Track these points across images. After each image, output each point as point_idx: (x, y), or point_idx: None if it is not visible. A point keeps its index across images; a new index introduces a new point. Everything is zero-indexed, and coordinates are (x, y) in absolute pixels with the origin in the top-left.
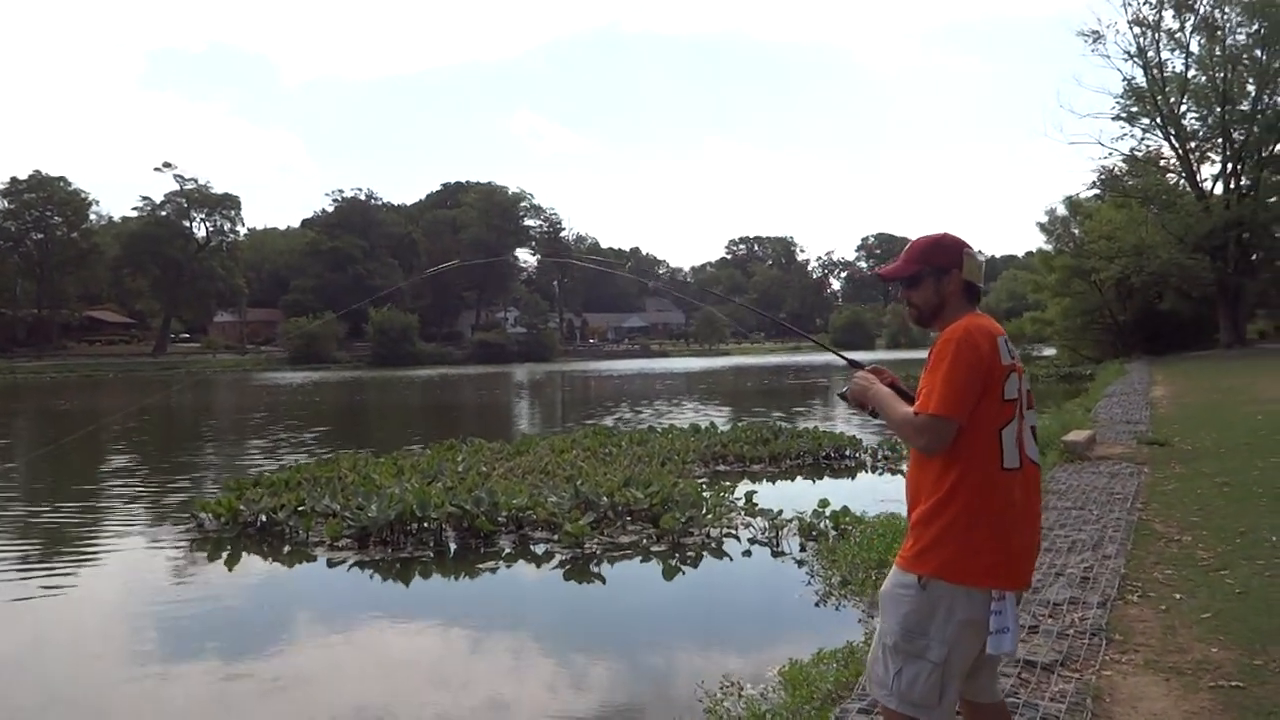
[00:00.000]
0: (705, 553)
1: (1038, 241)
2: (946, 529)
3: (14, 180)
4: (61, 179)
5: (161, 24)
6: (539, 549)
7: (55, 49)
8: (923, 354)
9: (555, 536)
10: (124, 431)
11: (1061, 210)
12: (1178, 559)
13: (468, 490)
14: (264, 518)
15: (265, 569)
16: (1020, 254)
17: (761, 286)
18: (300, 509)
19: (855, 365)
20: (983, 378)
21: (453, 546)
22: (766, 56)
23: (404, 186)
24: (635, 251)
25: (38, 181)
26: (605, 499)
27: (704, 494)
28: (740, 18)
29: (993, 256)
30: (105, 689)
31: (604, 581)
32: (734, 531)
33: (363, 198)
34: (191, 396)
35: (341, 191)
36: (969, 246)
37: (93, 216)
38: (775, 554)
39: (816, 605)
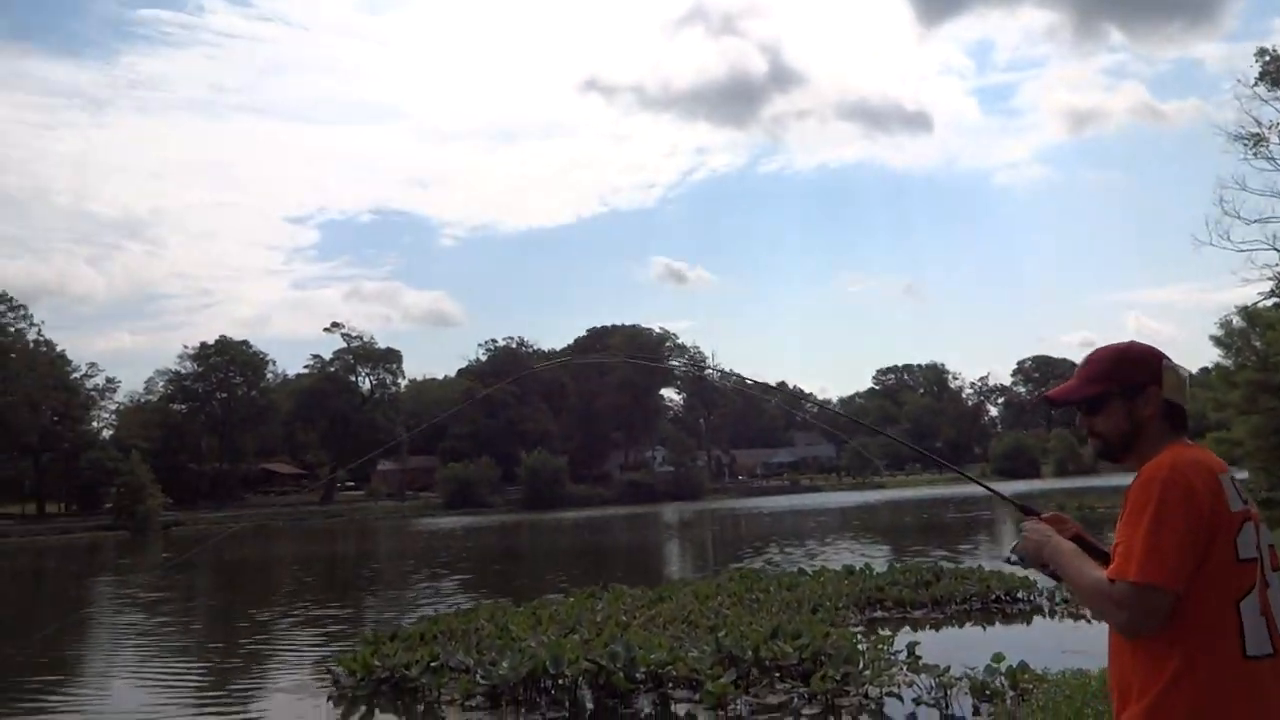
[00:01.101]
0: (865, 716)
1: (1213, 356)
2: None
3: (203, 345)
4: (244, 342)
5: (332, 197)
6: (680, 709)
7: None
8: (1098, 482)
9: (696, 696)
10: (288, 579)
11: (1238, 322)
12: None
13: (604, 644)
14: (399, 674)
15: None
16: (1195, 370)
17: (914, 415)
18: (434, 664)
19: (1027, 511)
20: (1205, 530)
21: (589, 707)
22: (897, 187)
23: (553, 333)
24: (782, 385)
25: (223, 345)
26: (750, 653)
27: (860, 646)
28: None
29: None
30: None
31: None
32: (896, 690)
33: (514, 345)
34: (359, 543)
35: (494, 340)
36: (1167, 358)
37: (270, 375)
38: (945, 718)
39: None
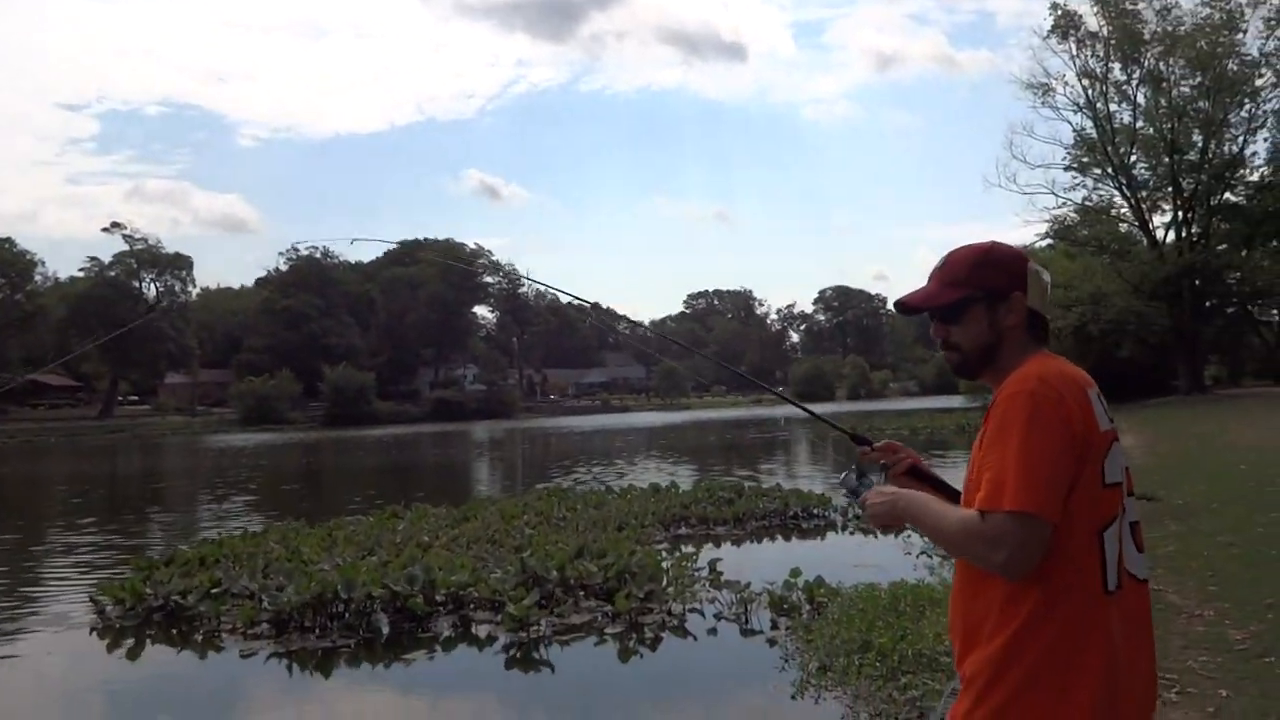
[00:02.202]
0: (666, 632)
1: None
2: (1026, 686)
3: None
4: (7, 240)
5: (115, 84)
6: (482, 631)
7: (7, 109)
8: (886, 405)
9: (498, 618)
10: (56, 500)
11: None
12: (1209, 641)
13: (401, 566)
14: (173, 602)
15: (169, 662)
16: None
17: (722, 339)
18: (214, 590)
19: (858, 440)
20: (1077, 451)
21: (385, 631)
22: (711, 115)
23: (362, 245)
24: (596, 306)
25: None
26: (555, 573)
27: (664, 564)
28: (684, 79)
29: None
30: None
31: (552, 669)
32: (699, 606)
33: (319, 256)
34: (143, 460)
35: (296, 249)
36: (1032, 261)
37: (38, 277)
38: (744, 632)
39: (793, 697)
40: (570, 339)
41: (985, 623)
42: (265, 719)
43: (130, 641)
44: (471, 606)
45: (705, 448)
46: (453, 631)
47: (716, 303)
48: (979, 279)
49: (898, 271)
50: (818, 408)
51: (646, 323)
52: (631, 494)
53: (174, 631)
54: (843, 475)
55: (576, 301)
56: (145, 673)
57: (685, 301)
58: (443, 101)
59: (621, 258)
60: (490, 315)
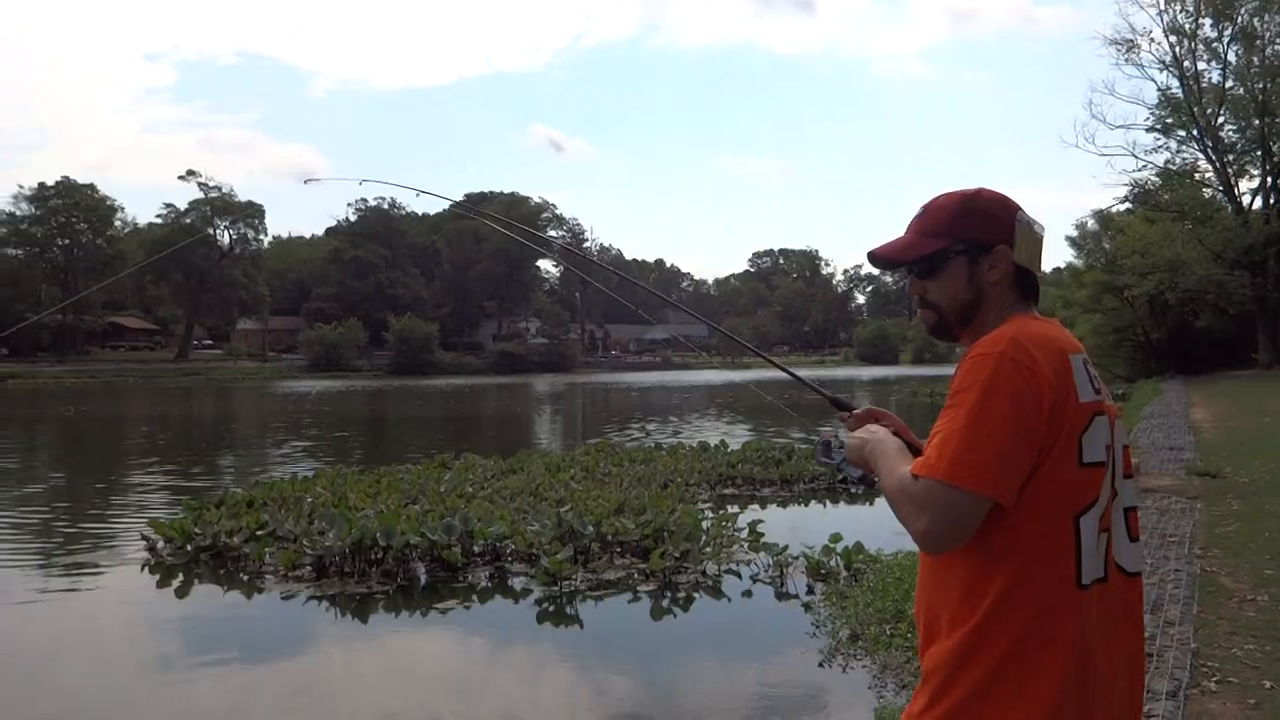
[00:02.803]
0: (701, 592)
1: (1066, 256)
2: (982, 687)
3: (42, 185)
4: (89, 186)
5: (192, 34)
6: (517, 583)
7: (88, 58)
8: (951, 370)
9: (534, 570)
10: (132, 438)
11: (1092, 224)
12: (1258, 627)
13: (440, 516)
14: (220, 542)
15: (214, 600)
16: (1049, 269)
17: (785, 299)
18: (259, 532)
19: (839, 405)
20: (1044, 424)
21: (422, 579)
22: (781, 72)
23: (427, 197)
24: (660, 263)
25: (65, 188)
26: (591, 528)
27: (704, 523)
28: (754, 33)
29: None
30: None
31: (581, 625)
32: (735, 568)
33: (385, 207)
34: (212, 404)
35: (365, 200)
36: (1022, 210)
37: (118, 223)
38: (779, 595)
39: (821, 665)
40: (633, 295)
41: (944, 613)
42: (304, 660)
43: (179, 579)
44: (508, 559)
45: (762, 407)
46: (489, 582)
47: (782, 261)
48: (960, 229)
49: None
50: (882, 371)
51: (710, 281)
52: (680, 452)
53: (221, 571)
54: (817, 439)
55: (557, 244)
56: (191, 610)
57: (750, 260)
58: (510, 55)
59: (687, 214)
60: (554, 270)
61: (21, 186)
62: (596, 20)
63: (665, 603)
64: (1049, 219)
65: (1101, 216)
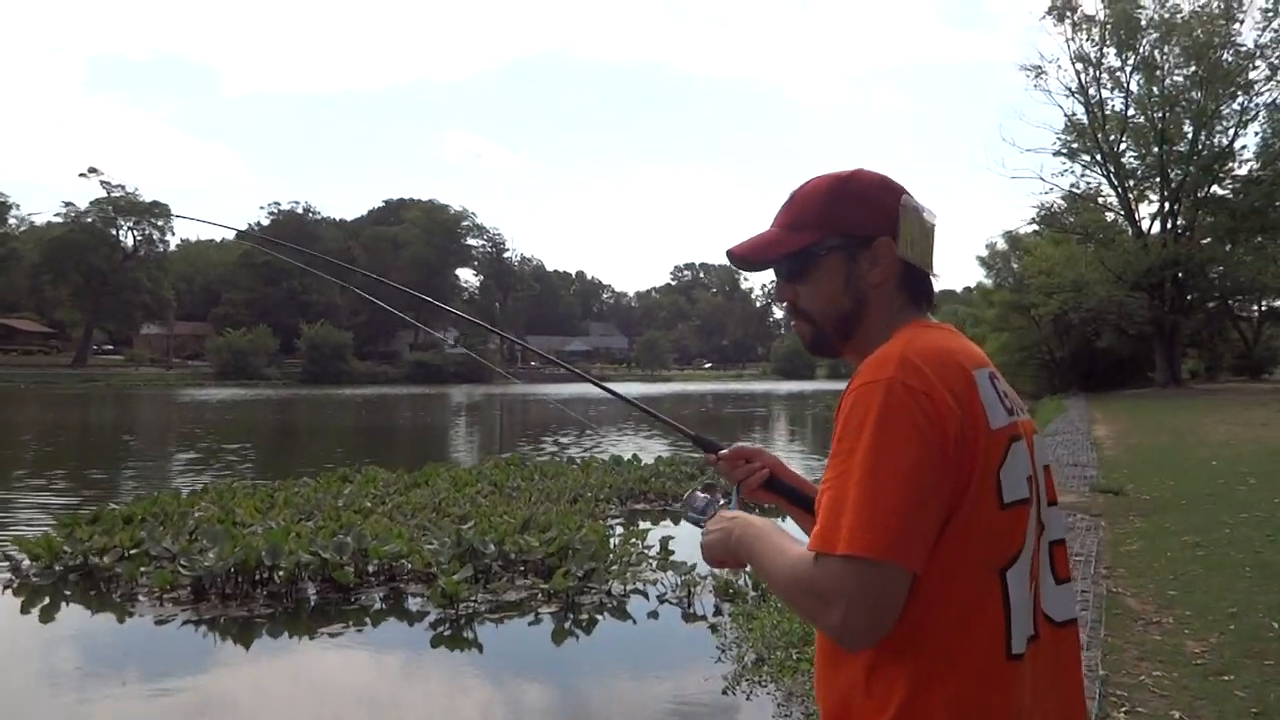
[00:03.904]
0: (606, 613)
1: (977, 276)
2: None
3: None
4: None
5: (106, 29)
6: (414, 605)
7: None
8: None
9: (429, 592)
10: (17, 447)
11: (1001, 245)
12: (1165, 652)
13: (331, 533)
14: (91, 561)
15: (82, 624)
16: (959, 289)
17: (705, 313)
18: (132, 551)
19: (705, 446)
20: (949, 461)
21: (312, 601)
22: (700, 89)
23: (345, 202)
24: (580, 275)
25: None
26: (493, 546)
27: (611, 540)
28: (674, 50)
29: None
30: None
31: (480, 649)
32: (642, 588)
33: (300, 211)
34: (108, 411)
35: (278, 204)
36: (908, 194)
37: (12, 220)
38: (686, 617)
39: (725, 692)
40: (553, 307)
41: (850, 705)
42: (175, 688)
43: (45, 600)
44: (404, 579)
45: (681, 421)
46: (383, 604)
47: (703, 275)
48: (832, 219)
49: None
50: (799, 385)
51: (631, 293)
52: (592, 465)
53: (91, 593)
54: (686, 494)
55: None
56: (56, 634)
57: (671, 273)
58: (434, 63)
59: (609, 226)
60: (474, 279)
61: None
62: (520, 32)
63: (568, 624)
64: (961, 240)
65: (1010, 237)
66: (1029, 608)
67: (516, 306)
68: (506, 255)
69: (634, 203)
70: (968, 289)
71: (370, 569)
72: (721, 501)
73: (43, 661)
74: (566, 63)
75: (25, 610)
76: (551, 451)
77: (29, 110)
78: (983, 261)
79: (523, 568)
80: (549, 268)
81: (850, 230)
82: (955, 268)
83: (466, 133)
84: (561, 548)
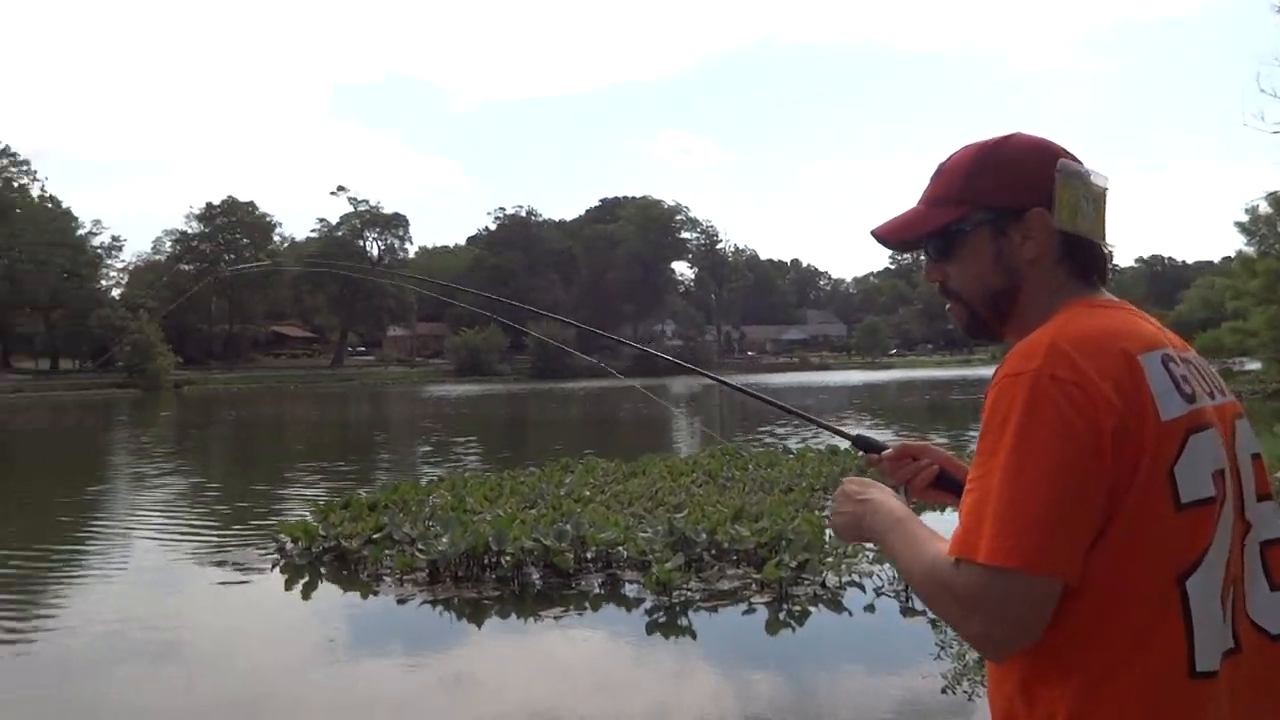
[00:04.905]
0: (819, 605)
1: (1237, 243)
2: None
3: (209, 205)
4: (250, 204)
5: (347, 57)
6: (630, 591)
7: (253, 82)
8: None
9: (644, 579)
10: (291, 440)
11: (1265, 208)
12: None
13: (552, 521)
14: (342, 545)
15: (334, 601)
16: (1217, 259)
17: (927, 297)
18: (375, 536)
19: (865, 447)
20: (1104, 460)
21: (536, 585)
22: (914, 66)
23: (563, 203)
24: (795, 263)
25: (230, 206)
26: (705, 535)
27: (826, 532)
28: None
29: (1183, 262)
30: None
31: (694, 637)
32: (858, 580)
33: (523, 215)
34: (362, 407)
35: (504, 209)
36: (1068, 156)
37: (276, 238)
38: (905, 611)
39: (944, 691)
40: (769, 295)
41: (1013, 717)
42: (421, 662)
43: (305, 578)
44: (620, 566)
45: (904, 408)
46: (601, 590)
47: (924, 258)
48: (977, 191)
49: (1128, 233)
50: None
51: (848, 279)
52: (806, 456)
53: (343, 572)
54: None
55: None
56: (314, 608)
57: (890, 257)
58: (637, 64)
59: (823, 212)
60: (689, 271)
61: (192, 206)
62: (723, 25)
63: (781, 615)
64: (1215, 205)
65: (1275, 199)
66: (1221, 619)
67: (731, 297)
68: (720, 246)
69: (848, 187)
70: (1226, 259)
71: (589, 555)
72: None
73: (304, 631)
74: (772, 52)
75: (289, 586)
76: (768, 442)
77: (286, 137)
78: (1243, 227)
79: (735, 557)
80: (763, 257)
81: (997, 202)
82: (1209, 237)
83: (675, 130)
84: (774, 538)
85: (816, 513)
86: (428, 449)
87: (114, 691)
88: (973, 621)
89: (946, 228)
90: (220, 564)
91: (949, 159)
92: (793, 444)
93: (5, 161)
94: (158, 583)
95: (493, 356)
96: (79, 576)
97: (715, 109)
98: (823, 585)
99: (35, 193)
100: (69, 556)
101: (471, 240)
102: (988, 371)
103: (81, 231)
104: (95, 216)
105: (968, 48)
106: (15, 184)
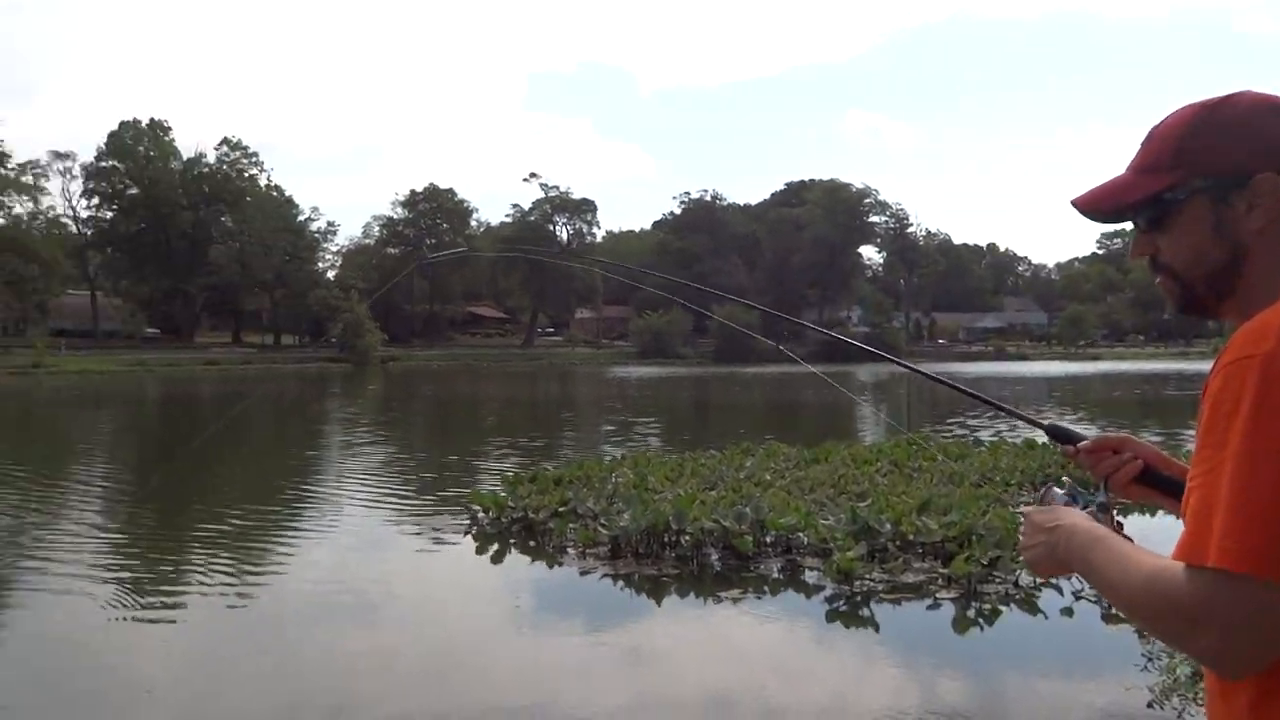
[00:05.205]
0: (1011, 605)
1: None
2: None
3: (413, 192)
4: (450, 190)
5: (541, 48)
6: (810, 578)
7: (454, 76)
8: None
9: (825, 566)
10: (485, 414)
11: None
12: None
13: (731, 503)
14: (530, 516)
15: (522, 569)
16: None
17: (1140, 284)
18: (561, 510)
19: (1060, 438)
20: None
21: (716, 567)
22: (1126, 35)
23: (749, 188)
24: (992, 247)
25: (431, 193)
26: (889, 526)
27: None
28: None
29: None
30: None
31: (876, 629)
32: (1055, 581)
33: (708, 199)
34: (551, 386)
35: (688, 194)
36: None
37: (473, 223)
38: (1107, 616)
39: (1150, 705)
40: (962, 281)
41: None
42: (604, 634)
43: (495, 547)
44: (801, 551)
45: (1112, 403)
46: (780, 574)
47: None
48: (1194, 157)
49: None
50: None
51: (1051, 265)
52: (1000, 448)
53: (530, 543)
54: (1042, 491)
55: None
56: (503, 576)
57: (1098, 241)
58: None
59: (1022, 195)
60: (877, 256)
61: (397, 193)
62: (912, 2)
63: (970, 613)
64: None
65: None
66: None
67: (922, 283)
68: (910, 230)
69: (1050, 167)
70: None
71: (768, 540)
72: (1100, 498)
73: (493, 598)
74: (966, 27)
75: (480, 553)
76: (958, 434)
77: (483, 127)
78: None
79: (920, 550)
80: (956, 241)
81: (1217, 168)
82: None
83: (864, 110)
84: (963, 532)
85: (1010, 509)
86: (610, 428)
87: (319, 649)
88: (1202, 636)
89: (1158, 196)
90: (418, 531)
91: (1162, 122)
92: (985, 436)
93: (237, 154)
94: (361, 546)
95: (676, 339)
96: (291, 537)
97: (906, 88)
98: (1015, 585)
99: (263, 182)
100: (283, 518)
101: (657, 224)
102: (1206, 365)
103: (301, 218)
104: (313, 204)
105: (1183, 12)
106: (246, 174)
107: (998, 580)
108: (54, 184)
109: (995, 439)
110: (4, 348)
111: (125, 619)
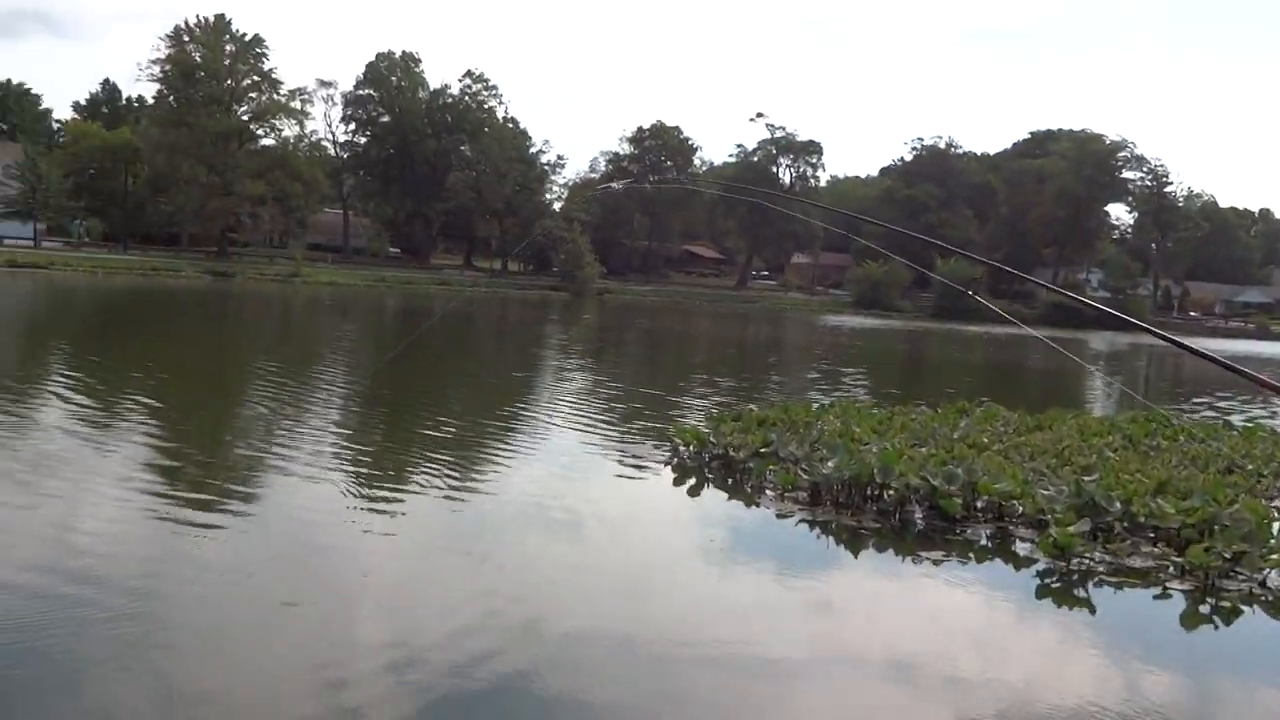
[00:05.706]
0: (1255, 606)
1: None
2: None
3: (640, 129)
4: (676, 128)
5: None
6: (1022, 549)
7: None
8: None
9: (1039, 539)
10: (697, 351)
11: None
12: None
13: (941, 462)
14: (730, 454)
15: (719, 505)
16: None
17: None
18: (763, 450)
19: None
20: None
21: (919, 525)
22: None
23: (988, 136)
24: (1265, 213)
25: (657, 129)
26: (1119, 504)
27: (1275, 525)
28: None
29: None
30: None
31: (1092, 611)
32: None
33: (942, 146)
34: (761, 329)
35: (921, 139)
36: None
37: (696, 160)
38: None
39: None
40: (1226, 249)
41: None
42: (797, 578)
43: (693, 480)
44: (1013, 520)
45: None
46: (989, 542)
47: None
48: None
49: None
50: None
51: None
52: (1256, 434)
53: (728, 480)
54: None
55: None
56: (699, 509)
57: None
58: None
59: None
60: (1128, 216)
61: (625, 130)
62: None
63: (1203, 608)
64: None
65: None
66: None
67: (1177, 248)
68: (1169, 190)
69: None
70: None
71: (978, 504)
72: None
73: (688, 528)
74: None
75: (678, 484)
76: (1206, 415)
77: (711, 62)
78: None
79: (1152, 534)
80: (1223, 204)
81: None
82: None
83: (1120, 50)
84: (1205, 520)
85: (1264, 501)
86: (816, 375)
87: (520, 556)
88: None
89: None
90: (620, 457)
91: None
92: (1236, 419)
93: (478, 86)
94: (567, 466)
95: (894, 291)
96: (503, 450)
97: (1171, 27)
98: (1261, 584)
99: (500, 114)
100: (497, 432)
101: (884, 171)
102: None
103: (533, 150)
104: (545, 137)
105: None
106: (485, 105)
107: (1241, 577)
108: (317, 109)
109: (1249, 424)
110: (267, 257)
111: (356, 508)
